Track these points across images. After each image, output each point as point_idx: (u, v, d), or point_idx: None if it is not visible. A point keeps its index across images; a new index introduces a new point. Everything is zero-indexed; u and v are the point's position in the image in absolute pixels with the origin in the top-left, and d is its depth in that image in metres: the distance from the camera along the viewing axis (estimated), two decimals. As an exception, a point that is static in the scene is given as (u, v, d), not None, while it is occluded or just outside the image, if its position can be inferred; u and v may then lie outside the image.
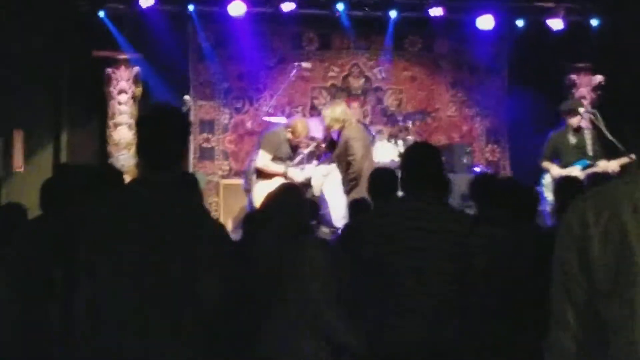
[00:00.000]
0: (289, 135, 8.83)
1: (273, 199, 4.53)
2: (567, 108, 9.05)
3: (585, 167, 8.41)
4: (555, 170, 8.72)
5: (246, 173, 9.18)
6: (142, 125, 3.32)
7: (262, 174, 8.76)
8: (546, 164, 8.92)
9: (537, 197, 4.91)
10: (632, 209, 2.07)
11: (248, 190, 8.91)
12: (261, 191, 8.49)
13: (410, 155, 4.25)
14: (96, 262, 3.09)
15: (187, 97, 8.83)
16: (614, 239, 2.08)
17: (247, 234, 5.71)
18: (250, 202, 8.80)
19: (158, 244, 3.03)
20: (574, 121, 8.92)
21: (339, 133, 8.58)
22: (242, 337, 4.40)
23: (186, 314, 3.07)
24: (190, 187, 5.24)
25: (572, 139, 8.92)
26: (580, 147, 8.82)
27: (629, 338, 2.05)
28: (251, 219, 5.92)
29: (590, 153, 8.74)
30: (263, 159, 8.75)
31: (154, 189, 3.15)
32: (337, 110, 8.66)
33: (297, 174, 8.81)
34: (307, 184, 8.84)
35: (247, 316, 4.27)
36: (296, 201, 4.46)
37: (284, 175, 8.65)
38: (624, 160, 8.24)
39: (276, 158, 8.81)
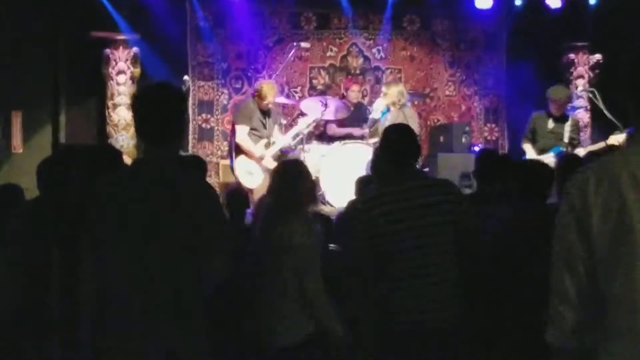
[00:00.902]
0: (258, 100, 8.88)
1: (272, 176, 4.59)
2: (553, 97, 8.90)
3: (558, 155, 8.34)
4: (530, 155, 8.76)
5: (229, 150, 9.23)
6: (141, 103, 3.29)
7: (240, 149, 8.86)
8: (525, 146, 9.00)
9: (548, 175, 4.87)
10: (631, 179, 2.10)
11: (232, 168, 8.96)
12: (241, 166, 8.60)
13: (388, 139, 4.27)
14: (100, 243, 3.11)
15: (186, 77, 8.85)
16: (613, 209, 2.10)
17: (232, 210, 5.72)
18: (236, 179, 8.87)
19: (161, 224, 3.05)
20: (555, 110, 8.88)
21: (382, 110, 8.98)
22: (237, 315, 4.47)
23: (188, 293, 3.10)
24: (195, 167, 5.26)
25: (551, 124, 8.89)
26: (557, 133, 8.82)
27: (629, 308, 2.07)
28: (232, 196, 5.94)
29: (566, 140, 8.74)
30: (240, 134, 8.87)
31: (156, 168, 3.16)
32: (402, 87, 9.28)
33: (283, 140, 8.95)
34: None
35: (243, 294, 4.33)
36: (292, 178, 4.48)
37: (260, 159, 8.74)
38: (599, 146, 8.32)
39: (253, 130, 8.86)
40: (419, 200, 3.98)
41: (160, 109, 3.19)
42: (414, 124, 8.66)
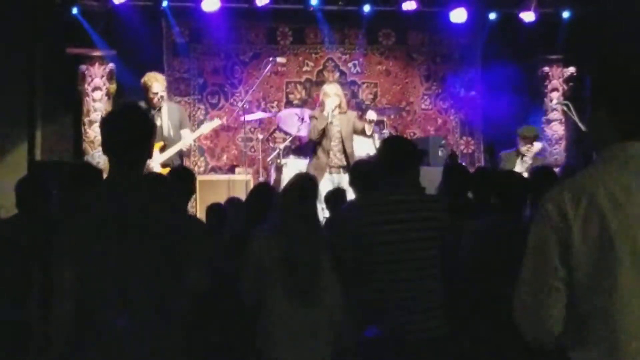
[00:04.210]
0: (146, 96, 8.39)
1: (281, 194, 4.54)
2: (523, 134, 9.10)
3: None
4: None
5: None
6: (112, 126, 3.28)
7: None
8: None
9: (523, 185, 4.91)
10: (609, 198, 2.11)
11: None
12: None
13: (388, 148, 4.30)
14: (78, 264, 3.10)
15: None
16: (593, 226, 2.11)
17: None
18: None
19: (139, 243, 3.05)
20: (524, 148, 9.03)
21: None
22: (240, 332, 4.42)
23: (171, 308, 3.10)
24: (184, 181, 5.26)
25: (519, 164, 9.06)
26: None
27: (607, 320, 2.10)
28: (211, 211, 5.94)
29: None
30: None
31: (130, 188, 3.17)
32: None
33: (181, 143, 8.44)
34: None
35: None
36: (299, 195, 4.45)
37: None
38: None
39: None
40: (407, 213, 4.01)
41: (131, 131, 3.21)
42: (358, 124, 8.55)
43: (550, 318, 2.20)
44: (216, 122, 9.01)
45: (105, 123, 3.34)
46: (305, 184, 4.47)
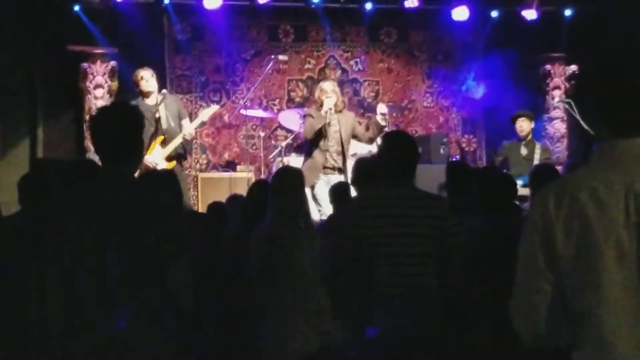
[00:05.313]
0: (140, 93, 8.55)
1: (272, 187, 4.58)
2: (513, 115, 9.34)
3: (525, 184, 7.70)
4: None
5: None
6: (100, 124, 3.30)
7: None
8: None
9: (514, 186, 4.95)
10: (592, 197, 2.09)
11: None
12: None
13: (390, 144, 4.30)
14: (63, 257, 3.11)
15: (164, 91, 8.81)
16: (575, 225, 2.09)
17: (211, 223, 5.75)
18: None
19: (124, 241, 3.07)
20: (517, 126, 9.24)
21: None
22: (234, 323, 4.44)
23: (157, 307, 3.11)
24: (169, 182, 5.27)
25: (523, 150, 9.16)
26: (529, 159, 9.00)
27: (595, 321, 2.08)
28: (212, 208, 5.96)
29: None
30: None
31: (118, 185, 3.20)
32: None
33: (183, 133, 8.50)
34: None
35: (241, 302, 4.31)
36: (293, 188, 4.49)
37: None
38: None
39: (152, 130, 8.34)
40: (407, 209, 4.01)
41: (117, 128, 3.23)
42: (359, 128, 8.37)
43: (539, 318, 2.19)
44: (214, 108, 9.12)
45: (92, 121, 3.37)
46: (287, 177, 4.53)
